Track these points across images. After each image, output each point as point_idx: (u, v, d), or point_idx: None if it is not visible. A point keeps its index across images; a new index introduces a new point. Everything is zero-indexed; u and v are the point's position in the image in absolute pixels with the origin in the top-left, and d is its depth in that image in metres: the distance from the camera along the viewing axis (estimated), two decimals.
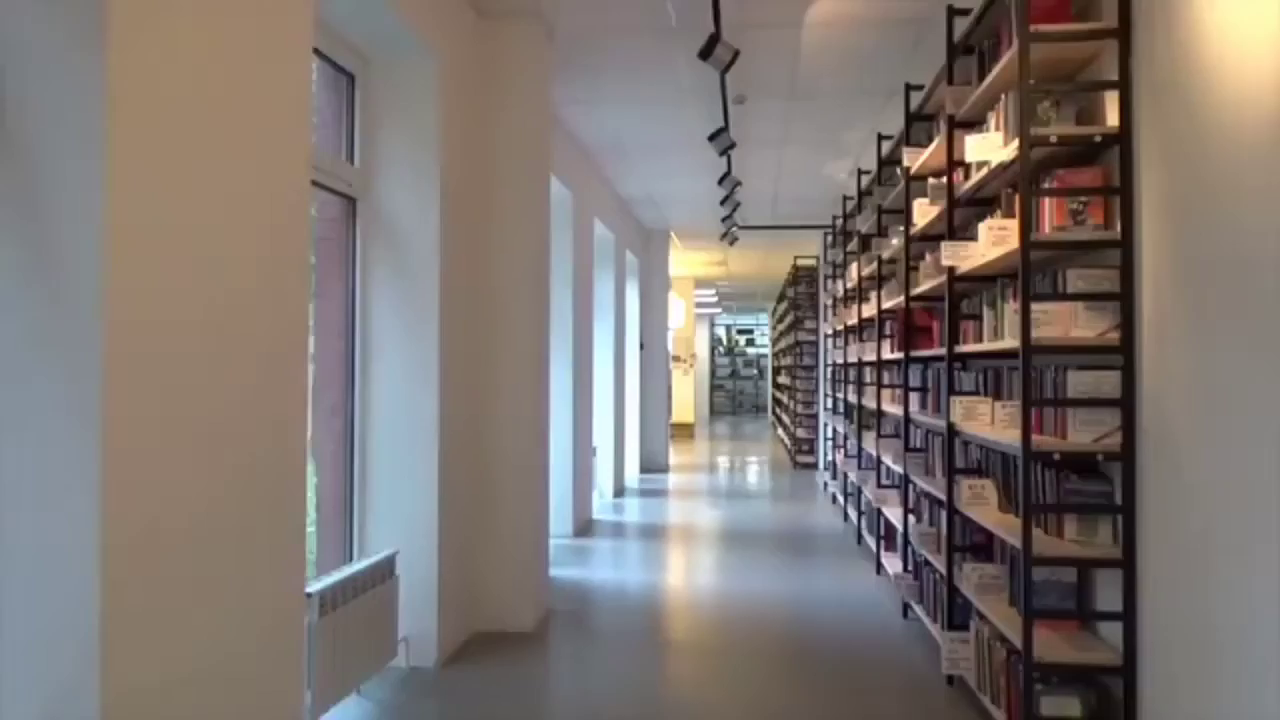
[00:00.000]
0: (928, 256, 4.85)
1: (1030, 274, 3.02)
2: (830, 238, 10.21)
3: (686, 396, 18.76)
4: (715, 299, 21.80)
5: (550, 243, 7.47)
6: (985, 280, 3.95)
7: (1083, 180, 3.11)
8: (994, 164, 3.48)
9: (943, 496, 4.25)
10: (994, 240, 3.43)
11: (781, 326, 17.71)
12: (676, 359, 18.50)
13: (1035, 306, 3.03)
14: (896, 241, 5.56)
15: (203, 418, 2.41)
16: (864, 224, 7.11)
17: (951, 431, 4.07)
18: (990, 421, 3.81)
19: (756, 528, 8.23)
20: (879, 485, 6.21)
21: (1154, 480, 2.81)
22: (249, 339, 2.62)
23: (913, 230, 5.05)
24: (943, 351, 4.46)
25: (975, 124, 3.91)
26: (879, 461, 6.25)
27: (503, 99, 4.93)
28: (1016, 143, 3.16)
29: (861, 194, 7.48)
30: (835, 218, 9.61)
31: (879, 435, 6.22)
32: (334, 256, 4.28)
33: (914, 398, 5.25)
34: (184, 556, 2.33)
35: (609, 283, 9.83)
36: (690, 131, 6.93)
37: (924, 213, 4.76)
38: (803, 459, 12.71)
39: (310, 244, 2.99)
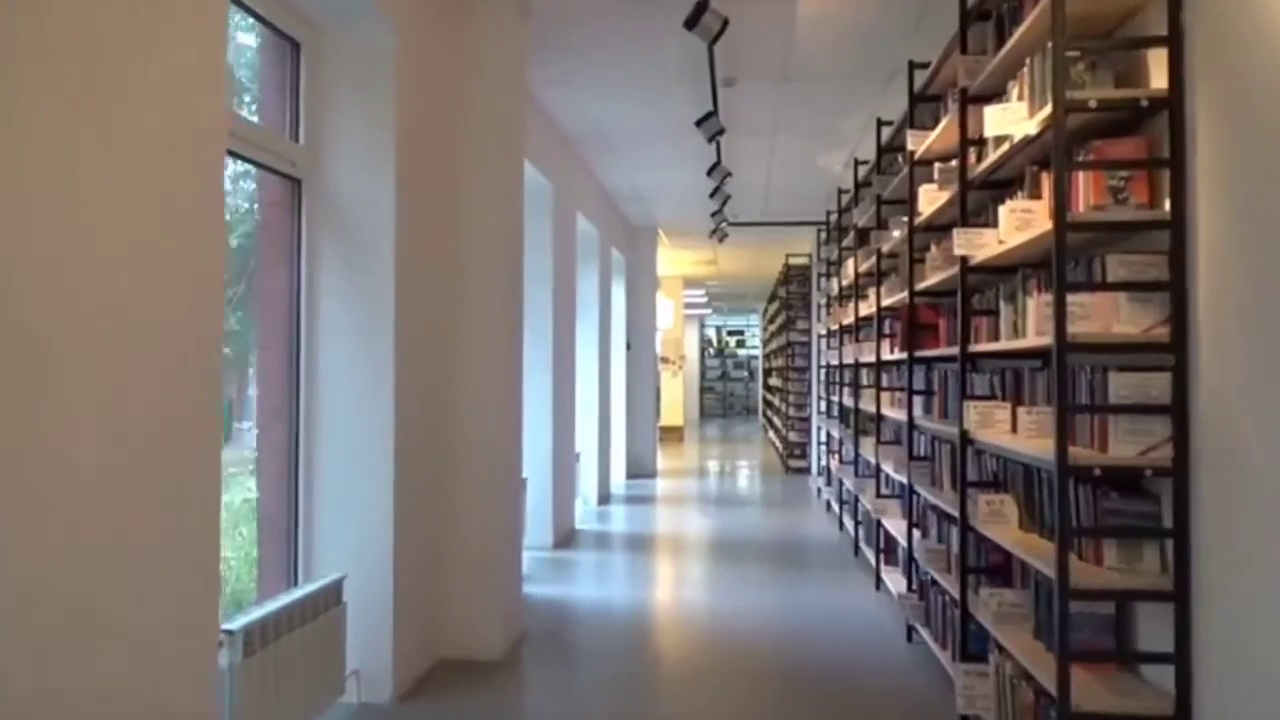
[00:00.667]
0: (934, 248, 4.44)
1: (1065, 260, 2.61)
2: (824, 234, 9.81)
3: (675, 399, 18.34)
4: (705, 299, 21.40)
5: (526, 235, 7.08)
6: (1002, 272, 3.54)
7: (1123, 152, 2.71)
8: (1016, 139, 3.07)
9: (954, 511, 3.84)
10: (1017, 224, 3.02)
11: (773, 328, 17.31)
12: (665, 360, 18.07)
13: (1071, 298, 2.61)
14: (898, 233, 5.15)
15: (83, 422, 1.97)
16: (862, 217, 6.71)
17: (965, 440, 3.66)
18: (1010, 429, 3.41)
19: (748, 537, 7.82)
20: (878, 495, 5.80)
21: (1211, 499, 2.40)
22: (142, 337, 2.19)
23: (917, 220, 4.64)
24: (953, 351, 4.05)
25: (992, 97, 3.50)
26: (878, 469, 5.84)
27: (472, 76, 4.50)
28: (1046, 112, 2.75)
29: (859, 185, 7.08)
30: (829, 213, 9.21)
31: (878, 441, 5.81)
32: (278, 245, 3.85)
33: (918, 402, 4.84)
34: (55, 594, 1.90)
35: (593, 280, 9.41)
36: (677, 120, 6.51)
37: (930, 200, 4.35)
38: (795, 463, 12.30)
39: (225, 224, 2.56)
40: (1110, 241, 2.82)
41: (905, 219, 5.08)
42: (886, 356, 5.71)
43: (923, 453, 4.73)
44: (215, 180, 2.51)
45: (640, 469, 11.67)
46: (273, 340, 3.85)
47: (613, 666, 4.46)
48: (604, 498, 9.65)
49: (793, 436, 12.43)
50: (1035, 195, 3.09)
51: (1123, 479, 2.70)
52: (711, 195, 7.87)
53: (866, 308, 6.59)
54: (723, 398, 27.71)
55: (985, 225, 3.66)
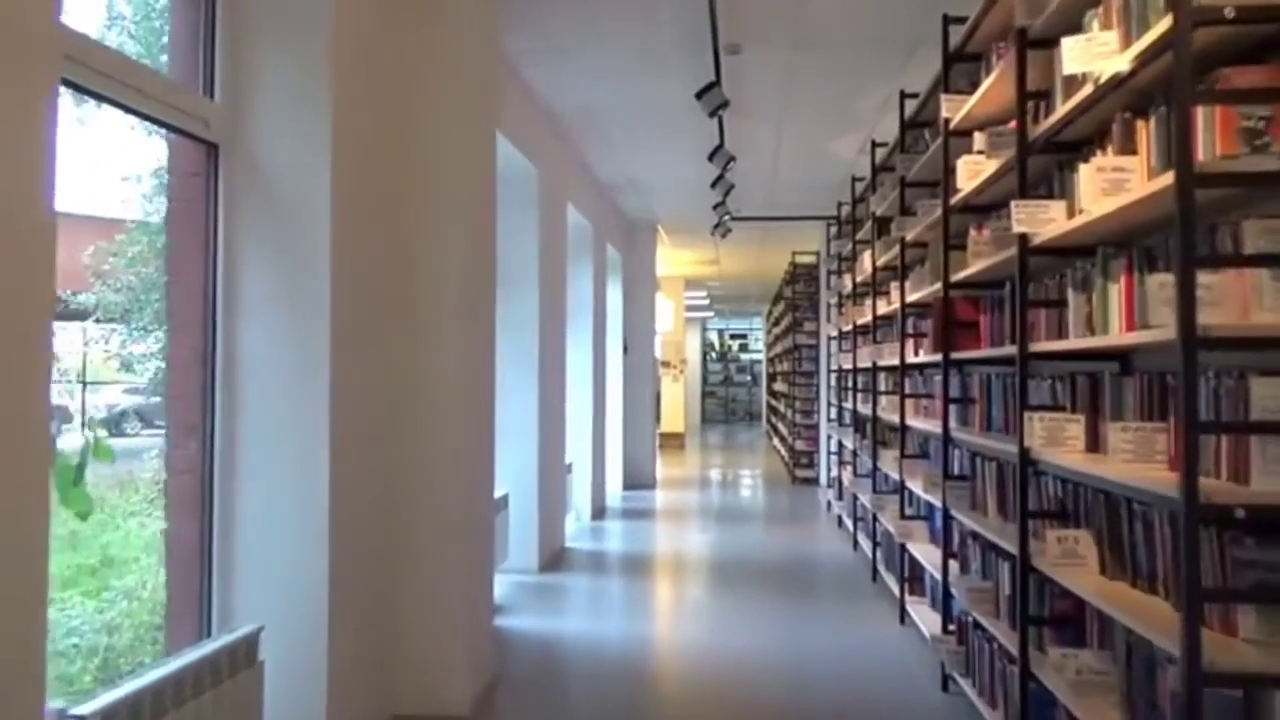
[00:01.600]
0: (974, 232, 3.78)
1: (1194, 224, 1.94)
2: (835, 228, 9.14)
3: (676, 404, 17.65)
4: (706, 301, 20.74)
5: (509, 224, 6.42)
6: (1071, 254, 2.88)
7: (1255, 80, 2.04)
8: (1103, 78, 2.41)
9: (1008, 546, 3.17)
10: (1104, 187, 2.36)
11: (777, 330, 16.64)
12: (665, 364, 17.41)
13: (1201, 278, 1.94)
14: (930, 218, 4.49)
15: None
16: (881, 204, 6.05)
17: (1025, 460, 2.99)
18: (1085, 449, 2.74)
19: (754, 558, 7.14)
20: (903, 515, 5.13)
21: None
22: None
23: (954, 199, 3.98)
24: (1002, 352, 3.38)
25: (1058, 38, 2.84)
26: (902, 486, 5.16)
27: (431, 26, 3.84)
28: (1147, 40, 2.10)
29: (877, 170, 6.42)
30: (841, 204, 8.54)
31: (902, 455, 5.14)
32: (193, 225, 3.19)
33: (954, 411, 4.18)
34: None
35: (587, 278, 8.75)
36: (675, 98, 5.85)
37: (972, 173, 3.69)
38: (802, 473, 11.62)
39: (54, 183, 1.90)
40: (1243, 203, 2.15)
41: (937, 201, 4.42)
42: (913, 359, 5.04)
43: (960, 471, 4.07)
44: (41, 120, 1.85)
45: (638, 479, 10.99)
46: (185, 339, 3.19)
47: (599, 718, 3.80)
48: (598, 512, 8.98)
49: (799, 445, 11.75)
50: (1128, 150, 2.43)
51: (1263, 522, 2.03)
52: (713, 185, 7.20)
53: (886, 305, 5.93)
54: (725, 403, 27.03)
55: (1047, 198, 3.00)
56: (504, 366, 6.36)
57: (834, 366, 9.11)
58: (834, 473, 8.97)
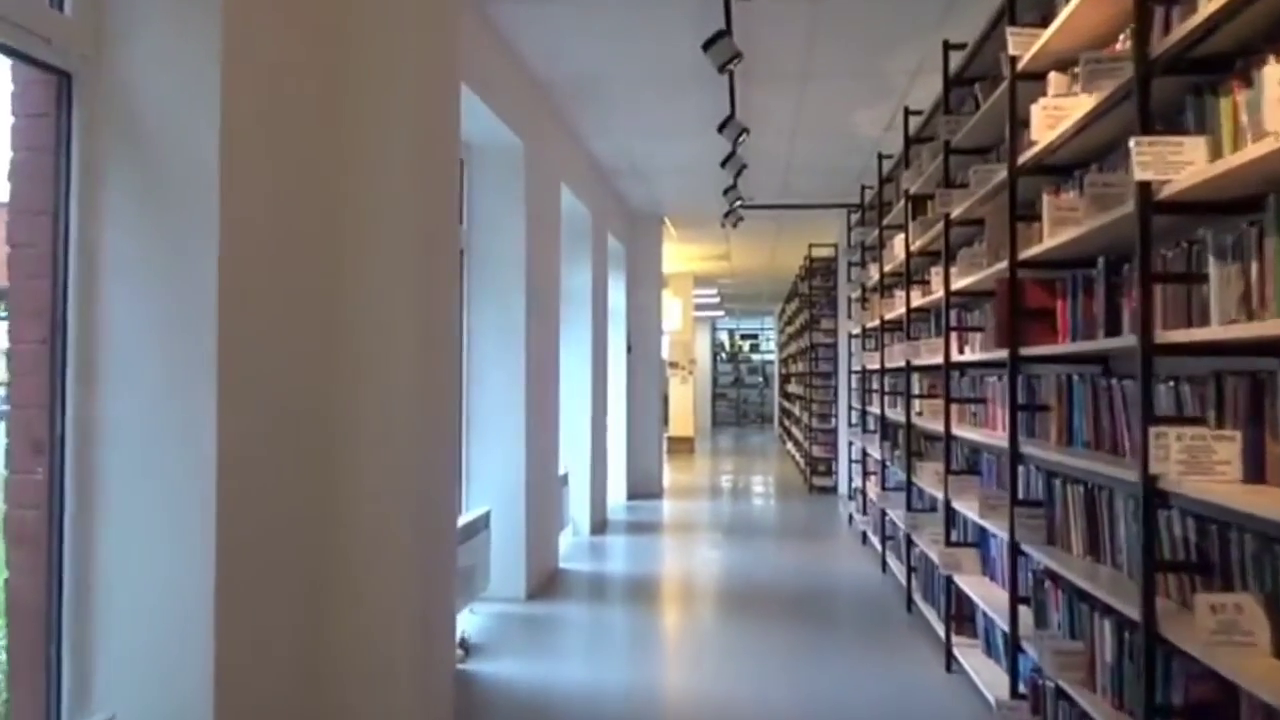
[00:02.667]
0: (1053, 196, 3.00)
1: None
2: (859, 215, 8.36)
3: (685, 407, 16.87)
4: (717, 299, 19.95)
5: (490, 205, 5.69)
6: (1211, 210, 2.11)
7: None
8: None
9: (1115, 602, 2.39)
10: None
11: (791, 329, 15.86)
12: (673, 365, 16.65)
13: None
14: (986, 186, 3.70)
15: None
16: (916, 180, 5.27)
17: (1151, 492, 2.21)
18: (1241, 476, 1.97)
19: (771, 581, 6.36)
20: (949, 542, 4.35)
21: None
22: None
23: (1024, 157, 3.20)
24: (1109, 345, 2.61)
25: None
26: (947, 507, 4.39)
27: None
28: None
29: (911, 141, 5.63)
30: (866, 187, 7.76)
31: (947, 470, 4.36)
32: (40, 176, 2.44)
33: (1021, 421, 3.40)
34: None
35: (585, 271, 8.01)
36: (679, 61, 5.08)
37: (1053, 119, 2.91)
38: (819, 481, 10.83)
39: None
40: None
41: (996, 165, 3.65)
42: (960, 357, 4.26)
43: (1033, 495, 3.28)
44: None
45: (644, 488, 10.22)
46: (30, 330, 2.44)
47: None
48: (599, 525, 8.22)
49: (816, 451, 10.96)
50: None
51: None
52: (724, 164, 6.43)
53: (923, 296, 5.16)
54: (736, 405, 26.24)
55: (1176, 132, 2.22)
56: (486, 367, 5.64)
57: (856, 367, 8.33)
58: (856, 483, 8.19)
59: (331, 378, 2.96)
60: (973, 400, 4.21)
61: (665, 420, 16.39)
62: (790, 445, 15.50)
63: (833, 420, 10.81)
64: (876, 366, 6.91)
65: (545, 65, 5.56)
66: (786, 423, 17.01)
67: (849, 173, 8.14)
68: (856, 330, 8.00)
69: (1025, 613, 3.28)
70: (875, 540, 6.90)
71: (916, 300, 5.34)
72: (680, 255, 13.75)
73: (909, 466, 5.33)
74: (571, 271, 7.72)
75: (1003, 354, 3.40)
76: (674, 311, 14.83)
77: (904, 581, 5.48)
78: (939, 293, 4.60)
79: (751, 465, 14.99)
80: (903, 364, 5.50)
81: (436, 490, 3.27)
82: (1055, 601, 3.01)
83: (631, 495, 9.96)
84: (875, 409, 7.01)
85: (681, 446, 16.35)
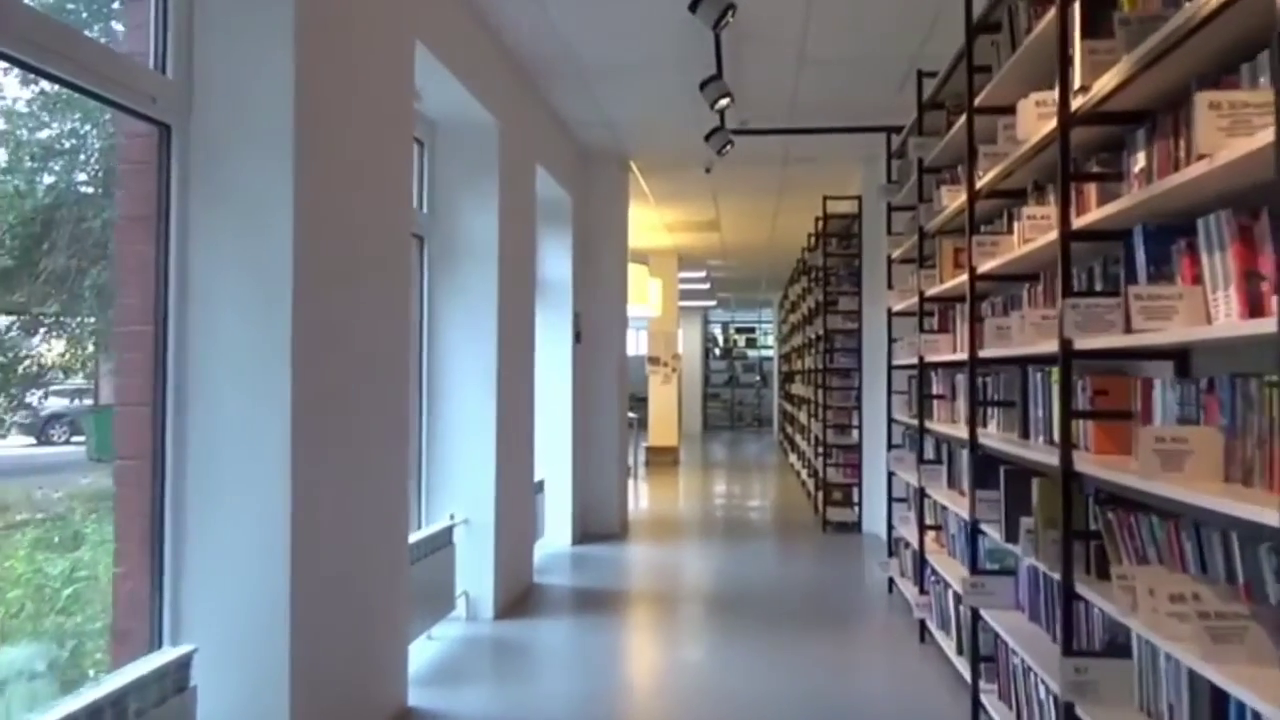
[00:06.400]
0: None
1: None
2: (905, 139, 5.63)
3: (668, 411, 14.12)
4: (707, 285, 17.22)
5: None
6: None
7: None
8: None
9: None
10: None
11: (794, 318, 13.14)
12: (653, 361, 13.94)
13: None
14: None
15: None
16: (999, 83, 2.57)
17: None
18: None
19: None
20: (1076, 650, 1.66)
21: None
22: None
23: None
24: None
25: None
26: (1068, 598, 1.68)
27: None
28: None
29: (977, 29, 2.93)
30: (925, 74, 5.03)
31: (1069, 534, 1.68)
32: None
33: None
34: None
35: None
36: None
37: None
38: (835, 514, 8.10)
39: None
40: None
41: None
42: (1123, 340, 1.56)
43: None
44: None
45: (599, 525, 7.49)
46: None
47: None
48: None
49: (833, 474, 8.22)
50: None
51: None
52: (703, 87, 3.74)
53: (1022, 244, 2.48)
54: (730, 407, 23.55)
55: None
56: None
57: (897, 360, 5.62)
58: (903, 533, 5.47)
59: None
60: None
61: (644, 425, 13.70)
62: (794, 457, 12.78)
63: (854, 433, 8.11)
64: (942, 358, 4.25)
65: None
66: (789, 429, 14.30)
67: (885, 80, 5.45)
68: (904, 304, 5.29)
69: None
70: (944, 636, 4.21)
71: (1002, 257, 2.68)
72: (657, 224, 11.05)
73: (1010, 528, 2.65)
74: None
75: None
76: (653, 295, 12.11)
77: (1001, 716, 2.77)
78: (1053, 236, 1.92)
79: (747, 484, 12.26)
80: (1004, 353, 2.80)
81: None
82: None
83: (582, 536, 7.23)
84: (946, 426, 4.33)
85: (663, 458, 13.65)
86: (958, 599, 3.99)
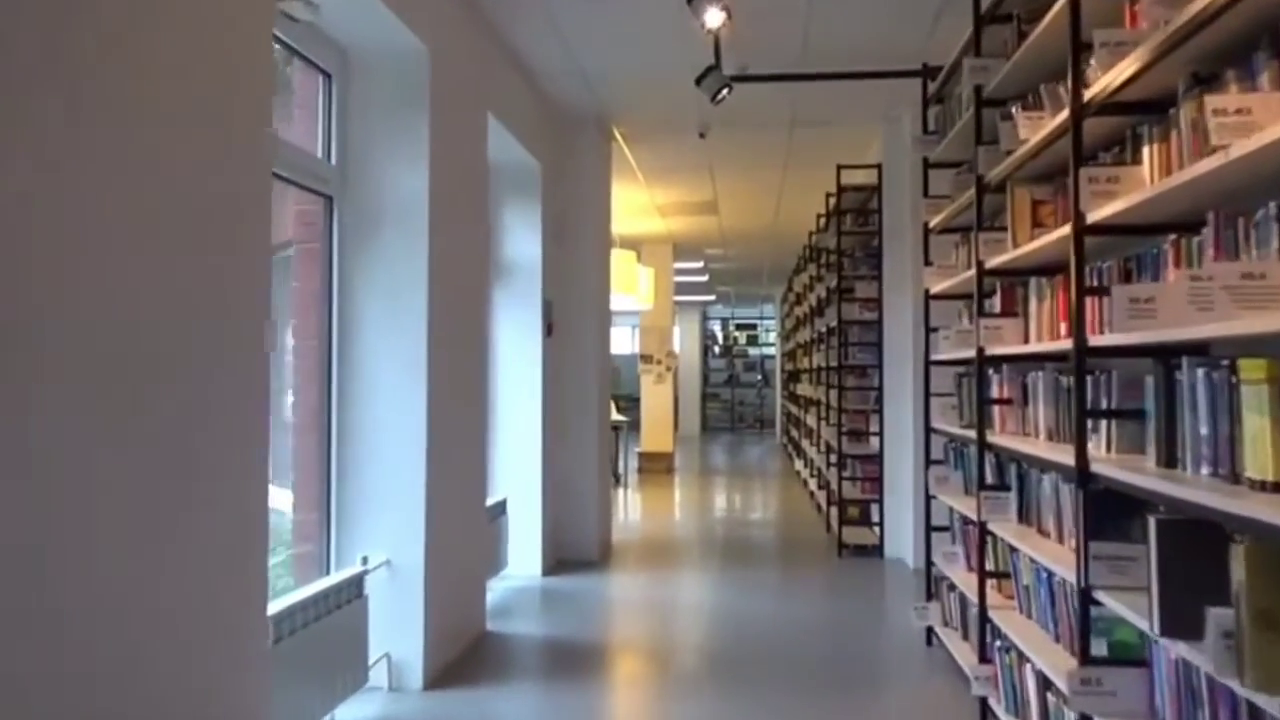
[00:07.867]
0: None
1: None
2: (953, 69, 4.47)
3: (662, 413, 12.96)
4: (705, 278, 16.09)
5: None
6: None
7: None
8: None
9: None
10: None
11: (800, 310, 12.00)
12: (646, 359, 12.81)
13: None
14: None
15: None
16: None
17: None
18: None
19: None
20: None
21: None
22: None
23: None
24: None
25: None
26: None
27: None
28: None
29: None
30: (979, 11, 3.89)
31: None
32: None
33: None
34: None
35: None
36: None
37: None
38: (853, 536, 6.96)
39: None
40: None
41: None
42: None
43: None
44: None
45: (575, 549, 6.35)
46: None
47: None
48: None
49: (848, 489, 7.08)
50: None
51: None
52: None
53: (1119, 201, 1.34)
54: (730, 407, 22.44)
55: None
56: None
57: (941, 353, 4.47)
58: (937, 566, 4.33)
59: None
60: None
61: (635, 429, 12.59)
62: (800, 464, 11.65)
63: (873, 440, 6.99)
64: (1021, 348, 3.15)
65: None
66: (794, 432, 13.16)
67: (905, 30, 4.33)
68: (948, 284, 4.17)
69: None
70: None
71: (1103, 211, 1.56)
72: (648, 206, 9.92)
73: (1162, 595, 1.53)
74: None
75: None
76: (644, 285, 10.96)
77: None
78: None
79: (749, 494, 11.14)
80: (1168, 335, 1.71)
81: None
82: None
83: (554, 565, 6.09)
84: (1016, 440, 3.21)
85: (656, 465, 12.51)
86: (1043, 683, 2.88)
